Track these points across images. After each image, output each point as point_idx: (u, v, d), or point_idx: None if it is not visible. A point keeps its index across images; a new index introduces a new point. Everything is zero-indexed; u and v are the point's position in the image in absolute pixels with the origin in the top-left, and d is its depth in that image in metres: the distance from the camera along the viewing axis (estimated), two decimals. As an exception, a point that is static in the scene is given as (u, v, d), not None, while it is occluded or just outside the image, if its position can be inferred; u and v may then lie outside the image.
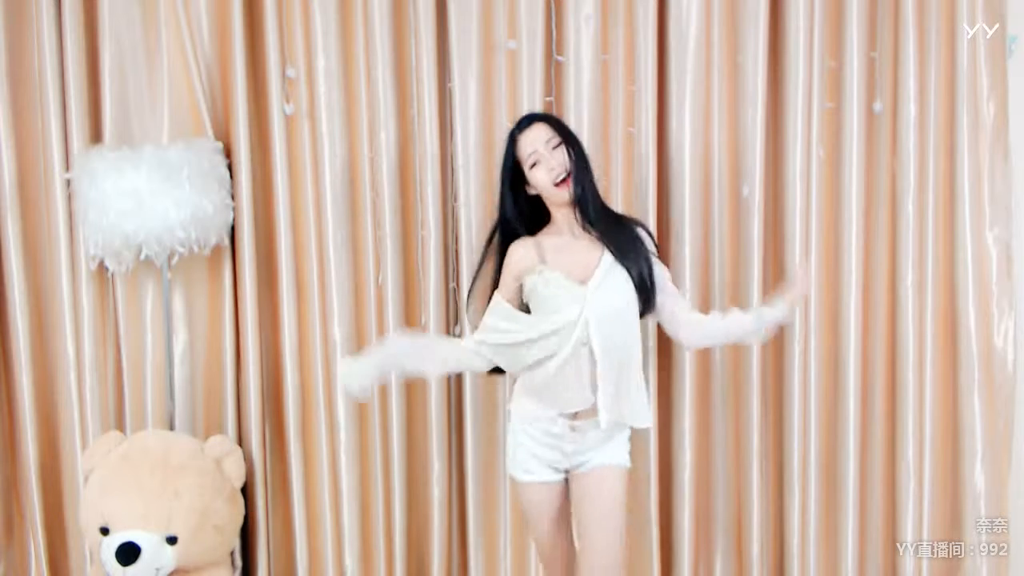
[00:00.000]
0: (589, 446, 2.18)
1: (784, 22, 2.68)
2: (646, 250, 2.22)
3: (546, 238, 2.22)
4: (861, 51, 2.68)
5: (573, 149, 2.17)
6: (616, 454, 2.20)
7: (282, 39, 2.68)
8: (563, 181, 2.14)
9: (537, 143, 2.15)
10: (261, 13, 2.67)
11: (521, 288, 2.21)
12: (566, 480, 2.23)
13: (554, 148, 2.15)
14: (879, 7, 2.71)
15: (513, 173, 2.22)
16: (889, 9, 2.70)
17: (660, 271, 2.24)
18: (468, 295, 2.50)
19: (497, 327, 2.18)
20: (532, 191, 2.22)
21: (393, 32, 2.69)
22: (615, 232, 2.19)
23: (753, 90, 2.68)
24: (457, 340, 2.30)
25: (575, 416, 2.15)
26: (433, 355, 2.21)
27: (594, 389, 2.12)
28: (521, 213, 2.26)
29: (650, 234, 2.29)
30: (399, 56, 2.72)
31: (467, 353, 2.22)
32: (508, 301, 2.21)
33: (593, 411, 2.14)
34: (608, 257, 2.16)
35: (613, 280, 2.14)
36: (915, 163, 2.69)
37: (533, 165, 2.15)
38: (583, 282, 2.13)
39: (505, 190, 2.24)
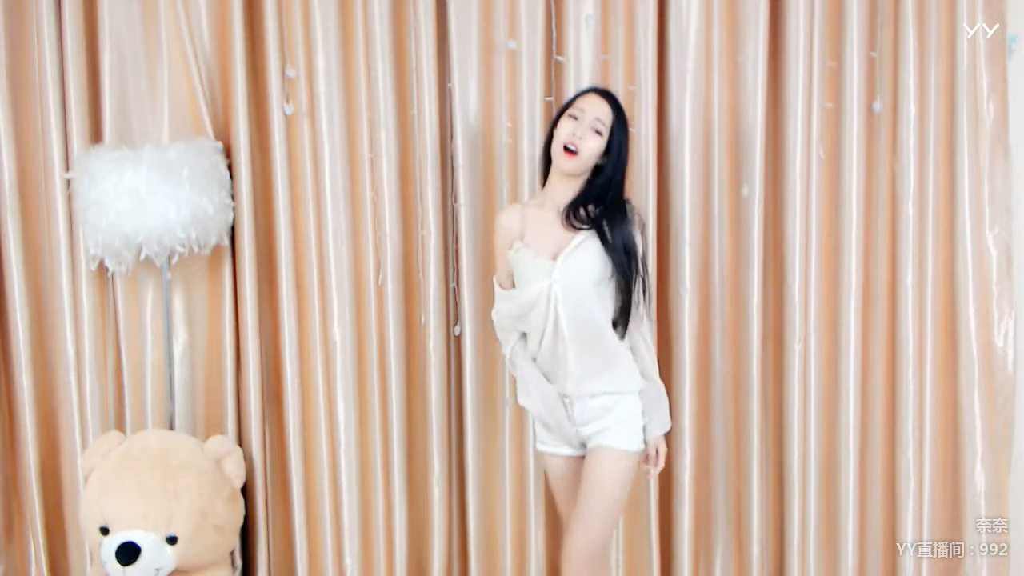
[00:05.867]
0: (592, 416, 2.20)
1: (784, 22, 2.68)
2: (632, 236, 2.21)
3: (531, 209, 2.27)
4: (861, 51, 2.68)
5: (612, 153, 2.18)
6: (621, 436, 2.19)
7: (282, 39, 2.68)
8: (571, 153, 2.15)
9: (593, 111, 2.17)
10: (261, 13, 2.67)
11: None
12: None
13: (595, 131, 2.16)
14: (879, 7, 2.71)
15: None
16: (889, 9, 2.70)
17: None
18: None
19: (498, 307, 2.33)
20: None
21: (393, 32, 2.69)
22: (610, 223, 2.20)
23: (753, 90, 2.68)
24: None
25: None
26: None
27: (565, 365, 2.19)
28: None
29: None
30: (399, 56, 2.72)
31: (512, 343, 2.33)
32: (505, 273, 2.31)
33: None
34: (582, 235, 2.17)
35: (583, 255, 2.16)
36: (915, 163, 2.69)
37: (572, 117, 2.17)
38: (554, 257, 2.17)
39: (554, 127, 2.24)
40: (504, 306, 2.29)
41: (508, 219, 2.28)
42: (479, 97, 2.72)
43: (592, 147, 2.16)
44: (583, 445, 2.26)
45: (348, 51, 2.73)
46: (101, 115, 2.72)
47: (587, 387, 2.19)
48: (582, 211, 2.19)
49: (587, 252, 2.16)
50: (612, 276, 2.17)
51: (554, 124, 2.23)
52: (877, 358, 2.78)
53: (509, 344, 2.33)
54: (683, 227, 2.72)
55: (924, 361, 2.73)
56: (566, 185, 2.22)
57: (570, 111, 2.19)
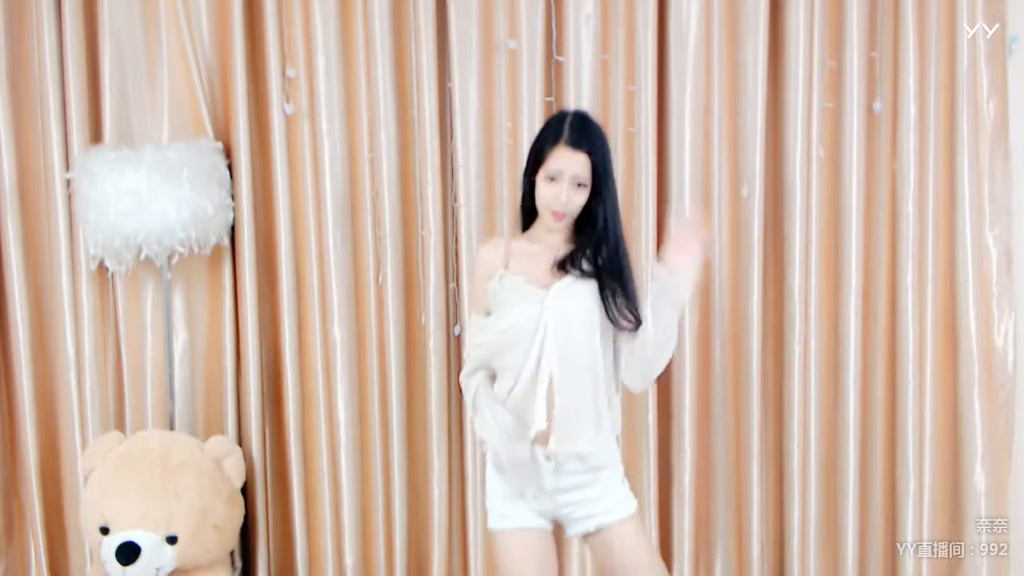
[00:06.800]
0: (574, 484, 1.97)
1: (784, 22, 2.68)
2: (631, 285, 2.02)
3: (518, 242, 2.08)
4: (861, 51, 2.68)
5: (600, 202, 1.98)
6: (619, 505, 2.00)
7: (282, 39, 2.68)
8: (559, 216, 1.98)
9: (569, 170, 1.95)
10: (261, 13, 2.67)
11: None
12: (553, 533, 2.02)
13: (578, 186, 1.96)
14: (879, 7, 2.71)
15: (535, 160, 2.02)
16: (889, 9, 2.70)
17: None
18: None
19: (472, 349, 2.07)
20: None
21: (393, 32, 2.69)
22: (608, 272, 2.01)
23: (753, 90, 2.68)
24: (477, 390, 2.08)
25: (537, 440, 1.95)
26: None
27: (550, 407, 1.94)
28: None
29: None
30: (399, 56, 2.72)
31: (474, 386, 2.05)
32: (483, 309, 2.07)
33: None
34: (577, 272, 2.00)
35: (578, 291, 1.98)
36: (915, 163, 2.69)
37: (550, 179, 1.96)
38: (545, 288, 1.98)
39: (528, 178, 2.05)
40: (479, 341, 2.03)
41: (491, 251, 2.07)
42: (479, 97, 2.72)
43: (579, 201, 1.97)
44: (551, 520, 2.00)
45: (348, 51, 2.73)
46: (101, 115, 2.72)
47: (570, 446, 1.94)
48: (583, 262, 2.00)
49: (589, 288, 1.98)
50: (612, 329, 2.00)
51: (531, 171, 2.01)
52: (877, 358, 2.78)
53: (471, 388, 2.05)
54: (683, 227, 2.72)
55: (924, 361, 2.73)
56: (555, 232, 2.04)
57: (547, 171, 1.95)
